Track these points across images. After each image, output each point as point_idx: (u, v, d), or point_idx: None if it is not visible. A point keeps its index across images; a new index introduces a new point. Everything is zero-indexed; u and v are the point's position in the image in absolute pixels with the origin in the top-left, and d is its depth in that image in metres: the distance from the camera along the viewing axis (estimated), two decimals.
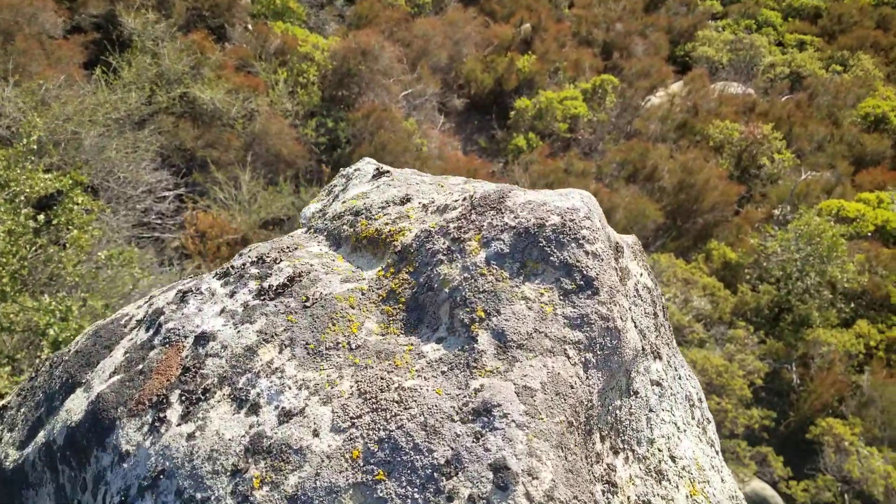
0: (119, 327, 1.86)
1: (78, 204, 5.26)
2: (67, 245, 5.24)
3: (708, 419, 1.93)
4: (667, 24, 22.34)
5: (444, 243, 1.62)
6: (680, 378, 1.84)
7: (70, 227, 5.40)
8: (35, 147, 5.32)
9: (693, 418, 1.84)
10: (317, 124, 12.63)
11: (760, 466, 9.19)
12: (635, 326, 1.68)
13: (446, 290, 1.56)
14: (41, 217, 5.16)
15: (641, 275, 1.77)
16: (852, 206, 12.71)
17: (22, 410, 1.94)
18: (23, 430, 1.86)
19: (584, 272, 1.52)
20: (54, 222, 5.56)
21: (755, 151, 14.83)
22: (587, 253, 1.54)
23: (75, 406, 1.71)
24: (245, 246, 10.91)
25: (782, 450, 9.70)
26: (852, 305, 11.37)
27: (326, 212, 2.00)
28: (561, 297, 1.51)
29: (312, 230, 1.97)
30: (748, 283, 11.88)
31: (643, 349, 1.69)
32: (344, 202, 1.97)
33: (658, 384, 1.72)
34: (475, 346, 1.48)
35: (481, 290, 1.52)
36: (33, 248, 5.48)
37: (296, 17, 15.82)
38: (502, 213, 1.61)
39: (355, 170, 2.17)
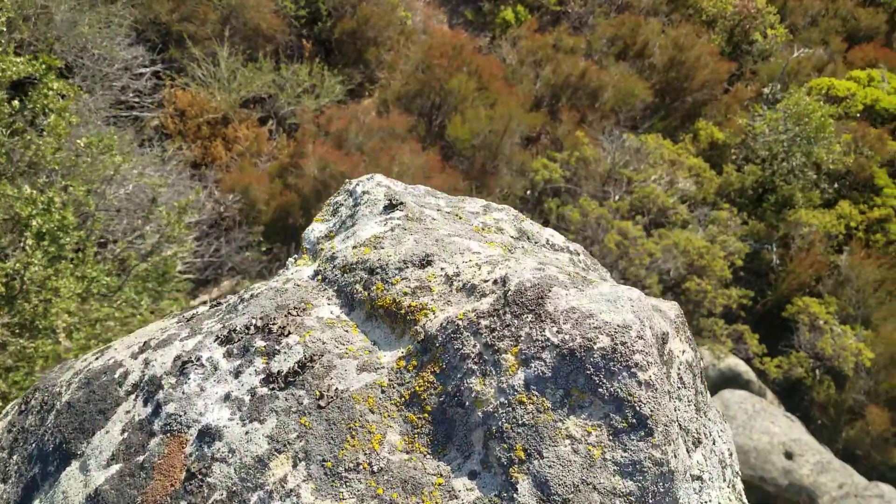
0: (113, 385, 1.70)
1: (53, 90, 5.06)
2: (45, 131, 5.09)
3: (736, 472, 1.78)
4: None
5: (475, 347, 1.44)
6: (714, 443, 1.70)
7: (46, 112, 5.22)
8: (3, 28, 5.06)
9: (725, 480, 1.71)
10: None
11: (736, 343, 9.52)
12: (680, 428, 1.54)
13: (479, 412, 1.40)
14: (16, 102, 4.98)
15: (684, 352, 1.60)
16: (842, 85, 12.56)
17: (14, 458, 1.81)
18: (16, 487, 1.75)
19: (637, 408, 1.35)
20: (29, 107, 5.37)
21: (748, 26, 14.45)
22: (640, 383, 1.36)
23: (72, 490, 1.60)
24: (226, 125, 10.56)
25: (758, 328, 10.02)
26: (836, 186, 11.45)
27: (336, 252, 1.79)
28: (610, 438, 1.34)
29: (321, 279, 1.77)
30: (734, 163, 11.89)
31: (688, 452, 1.58)
32: (355, 247, 1.76)
33: (699, 478, 1.58)
34: (515, 496, 1.32)
35: (521, 422, 1.36)
36: (10, 133, 5.33)
37: None
38: (543, 321, 1.42)
39: (363, 192, 1.95)
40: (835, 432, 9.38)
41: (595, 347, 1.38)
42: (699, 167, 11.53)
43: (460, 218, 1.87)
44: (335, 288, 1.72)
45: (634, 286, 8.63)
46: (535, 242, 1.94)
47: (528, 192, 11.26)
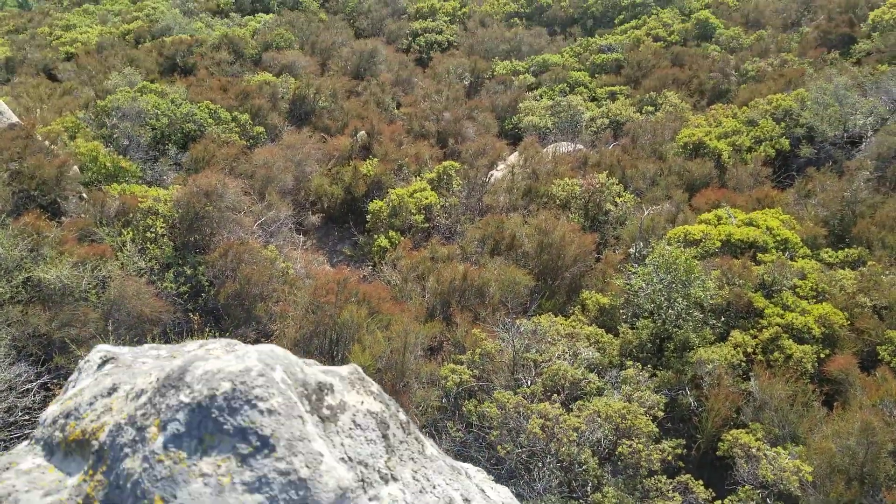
0: None
1: None
2: None
3: None
4: (490, 103, 23.71)
5: (131, 434, 1.60)
6: (434, 487, 1.85)
7: None
8: None
9: None
10: (175, 275, 12.35)
11: (684, 495, 9.42)
12: (349, 460, 1.70)
13: (129, 485, 1.53)
14: None
15: (362, 402, 1.77)
16: (696, 229, 13.69)
17: None
18: None
19: (259, 432, 1.51)
20: None
21: (598, 199, 15.77)
22: (262, 412, 1.53)
23: None
24: None
25: (699, 473, 10.01)
26: (723, 319, 12.10)
27: (47, 415, 1.94)
28: (239, 464, 1.50)
29: (33, 440, 1.91)
30: (626, 322, 12.42)
31: (364, 480, 1.69)
32: (62, 403, 1.91)
33: None
34: None
35: (159, 477, 1.49)
36: None
37: (130, 175, 15.60)
38: (180, 390, 1.59)
39: (85, 361, 2.11)
40: None
41: (218, 394, 1.57)
42: (596, 333, 11.97)
43: (174, 357, 2.01)
44: (42, 443, 1.86)
45: (570, 466, 8.50)
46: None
47: (444, 399, 11.26)
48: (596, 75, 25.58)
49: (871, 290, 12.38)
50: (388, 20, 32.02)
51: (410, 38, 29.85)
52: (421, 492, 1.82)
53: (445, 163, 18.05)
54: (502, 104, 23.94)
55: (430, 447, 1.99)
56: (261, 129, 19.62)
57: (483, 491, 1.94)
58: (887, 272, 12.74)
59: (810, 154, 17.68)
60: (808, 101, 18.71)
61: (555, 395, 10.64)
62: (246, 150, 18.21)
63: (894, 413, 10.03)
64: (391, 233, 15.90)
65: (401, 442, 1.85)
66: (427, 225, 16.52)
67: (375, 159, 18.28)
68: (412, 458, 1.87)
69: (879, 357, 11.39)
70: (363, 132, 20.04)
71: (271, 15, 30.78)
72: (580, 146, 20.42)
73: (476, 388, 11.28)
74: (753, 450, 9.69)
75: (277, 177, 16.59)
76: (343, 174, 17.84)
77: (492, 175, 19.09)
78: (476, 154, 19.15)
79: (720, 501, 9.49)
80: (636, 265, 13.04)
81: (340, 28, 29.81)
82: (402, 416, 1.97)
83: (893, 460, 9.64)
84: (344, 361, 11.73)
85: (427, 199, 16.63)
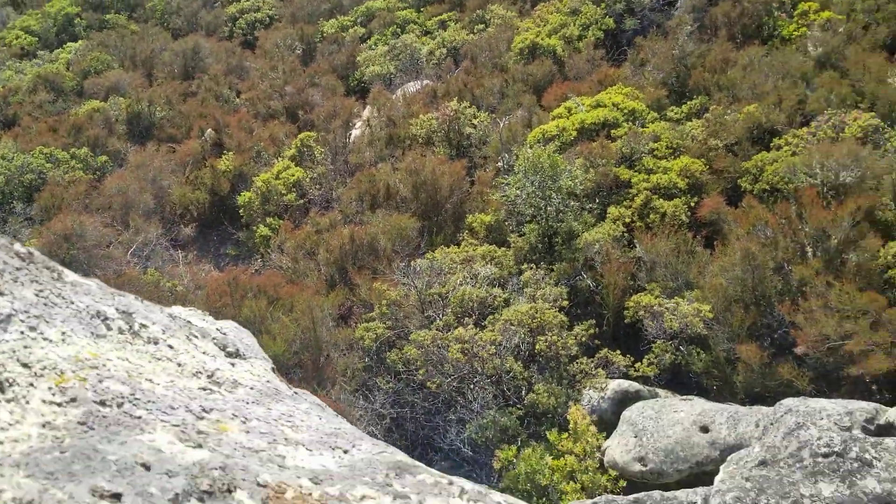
0: None
1: None
2: None
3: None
4: (329, 65, 23.42)
5: None
6: (73, 303, 1.88)
7: None
8: None
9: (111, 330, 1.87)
10: None
11: (607, 368, 10.00)
12: None
13: None
14: None
15: None
16: (551, 126, 14.16)
17: None
18: None
19: None
20: None
21: (457, 126, 16.01)
22: None
23: None
24: None
25: (615, 344, 10.62)
26: (597, 200, 12.67)
27: None
28: None
29: None
30: (513, 232, 12.83)
31: None
32: None
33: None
34: None
35: None
36: None
37: None
38: None
39: None
40: (728, 385, 9.98)
41: None
42: (489, 251, 12.34)
43: None
44: None
45: (499, 379, 8.73)
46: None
47: (367, 359, 11.43)
48: (422, 9, 25.61)
49: (720, 132, 13.21)
50: (202, 13, 30.83)
51: (230, 24, 28.91)
52: (47, 305, 1.81)
53: (301, 135, 17.85)
54: (341, 63, 23.70)
55: (75, 277, 2.01)
56: (104, 157, 18.78)
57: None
58: (729, 111, 13.60)
59: (635, 25, 18.43)
60: None
61: (466, 318, 10.98)
62: (95, 183, 17.44)
63: (767, 234, 10.86)
64: (269, 219, 15.71)
65: (17, 269, 1.84)
66: (302, 201, 16.39)
67: (230, 153, 17.88)
68: (35, 281, 1.85)
69: (742, 189, 12.25)
70: (210, 130, 19.50)
71: (80, 42, 29.10)
72: (427, 81, 20.53)
73: (394, 338, 11.49)
74: (655, 307, 10.35)
75: (136, 200, 16.03)
76: (202, 178, 17.40)
77: (350, 134, 19.03)
78: (328, 118, 18.98)
79: (639, 363, 10.14)
80: (507, 175, 13.43)
81: (155, 34, 28.54)
82: (20, 248, 2.01)
83: (777, 275, 10.50)
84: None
85: (293, 175, 16.46)
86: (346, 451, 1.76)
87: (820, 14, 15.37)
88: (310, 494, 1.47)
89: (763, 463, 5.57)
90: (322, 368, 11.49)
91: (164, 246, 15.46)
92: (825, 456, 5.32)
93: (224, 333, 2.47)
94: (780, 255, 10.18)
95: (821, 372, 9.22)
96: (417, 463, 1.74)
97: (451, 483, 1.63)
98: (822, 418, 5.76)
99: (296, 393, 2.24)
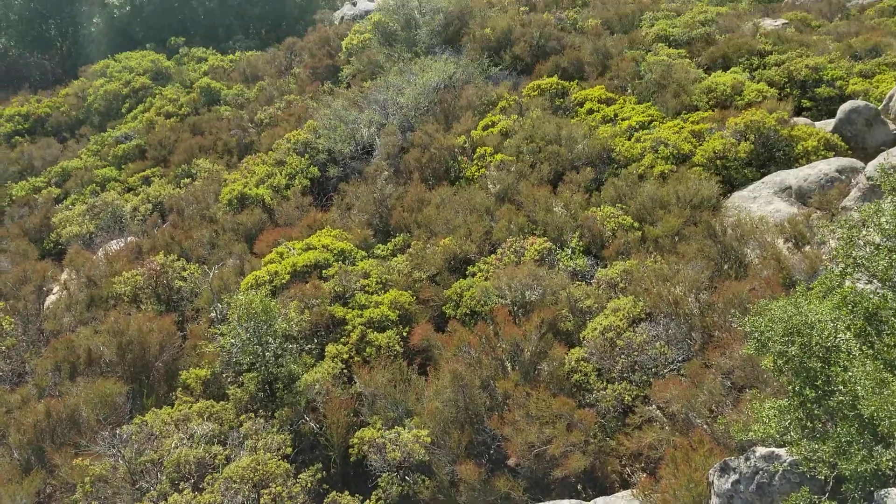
0: None
1: None
2: None
3: None
4: (19, 229, 21.80)
5: None
6: None
7: None
8: None
9: None
10: None
11: None
12: None
13: None
14: None
15: None
16: (263, 271, 14.19)
17: None
18: None
19: None
20: None
21: (165, 280, 15.39)
22: None
23: None
24: None
25: (346, 485, 10.50)
26: (315, 340, 12.74)
27: None
28: None
29: None
30: (233, 383, 12.36)
31: None
32: None
33: None
34: None
35: None
36: None
37: None
38: None
39: None
40: None
41: None
42: (206, 406, 11.70)
43: None
44: None
45: None
46: None
47: None
48: (122, 166, 24.84)
49: (422, 265, 14.15)
50: None
51: None
52: None
53: None
54: (34, 225, 22.02)
55: None
56: None
57: None
58: (428, 245, 14.68)
59: (338, 172, 19.48)
60: (319, 128, 20.58)
61: (182, 483, 10.18)
62: None
63: (471, 353, 11.61)
64: None
65: None
66: None
67: None
68: None
69: (447, 315, 13.09)
70: None
71: None
72: (131, 238, 19.65)
73: None
74: (378, 439, 10.43)
75: None
76: None
77: (46, 300, 17.43)
78: (18, 284, 17.25)
79: (368, 500, 10.04)
80: (220, 326, 13.05)
81: None
82: None
83: (485, 392, 11.18)
84: None
85: None
86: None
87: (495, 157, 17.49)
88: None
89: None
90: None
91: None
92: None
93: None
94: (484, 372, 10.89)
95: (533, 480, 9.81)
96: None
97: None
98: None
99: None
